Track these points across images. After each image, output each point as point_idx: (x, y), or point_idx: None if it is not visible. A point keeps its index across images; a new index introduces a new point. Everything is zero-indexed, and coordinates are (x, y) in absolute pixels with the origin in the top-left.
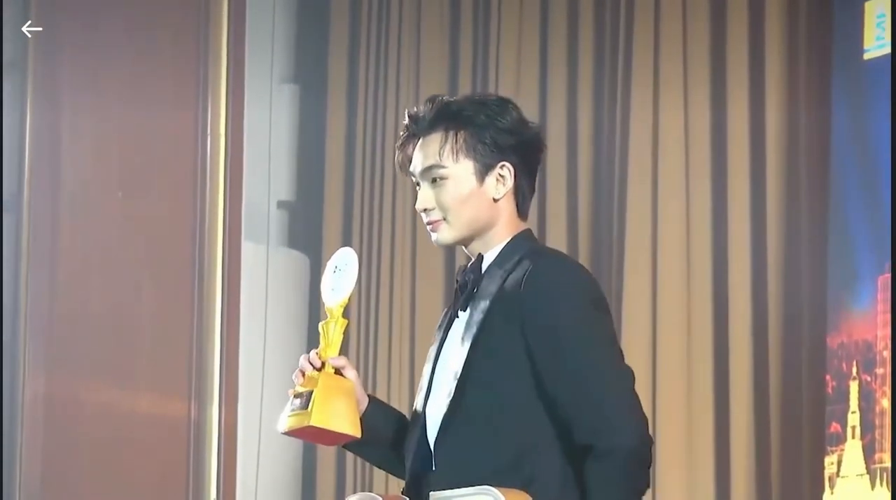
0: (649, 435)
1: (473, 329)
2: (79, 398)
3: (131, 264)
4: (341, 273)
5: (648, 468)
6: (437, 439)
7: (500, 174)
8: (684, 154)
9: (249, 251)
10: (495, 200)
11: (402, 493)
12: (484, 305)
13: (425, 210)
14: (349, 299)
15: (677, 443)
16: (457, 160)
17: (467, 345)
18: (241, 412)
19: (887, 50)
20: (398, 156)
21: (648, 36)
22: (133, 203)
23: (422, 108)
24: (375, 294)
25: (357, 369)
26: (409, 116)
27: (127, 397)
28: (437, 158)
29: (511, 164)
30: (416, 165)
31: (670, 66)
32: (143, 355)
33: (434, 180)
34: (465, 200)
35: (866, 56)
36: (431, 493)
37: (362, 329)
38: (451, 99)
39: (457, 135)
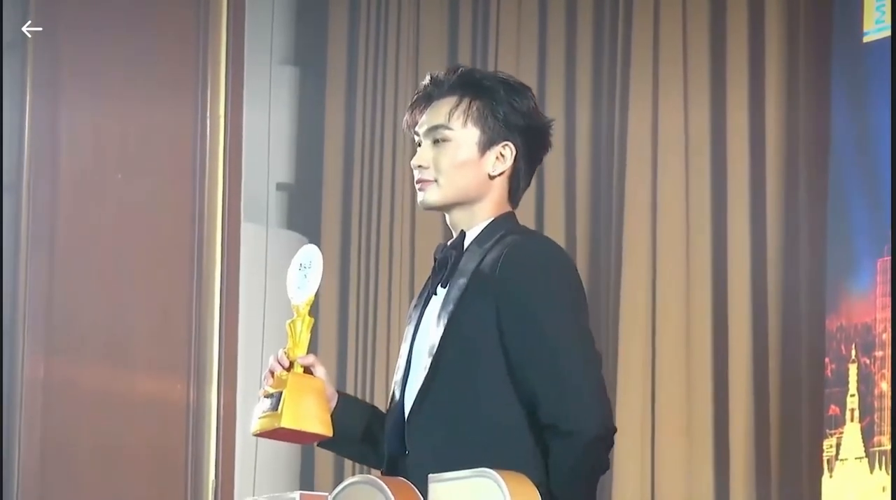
0: (612, 420)
1: (450, 306)
2: (78, 381)
3: (130, 247)
4: (307, 270)
5: (608, 451)
6: (408, 419)
7: (501, 152)
8: (684, 137)
9: (249, 233)
10: (490, 177)
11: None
12: (462, 282)
13: (420, 167)
14: (315, 296)
15: (676, 426)
16: (464, 125)
17: (443, 322)
18: (239, 395)
19: (887, 33)
20: (406, 115)
21: (648, 16)
22: (132, 185)
23: (444, 73)
24: (374, 276)
25: (355, 352)
26: (430, 78)
27: (126, 379)
28: (446, 118)
29: (515, 145)
30: (423, 123)
31: (670, 54)
32: (143, 337)
33: (436, 141)
34: (461, 166)
35: (866, 39)
36: (429, 475)
37: (361, 313)
38: (476, 71)
39: (471, 102)
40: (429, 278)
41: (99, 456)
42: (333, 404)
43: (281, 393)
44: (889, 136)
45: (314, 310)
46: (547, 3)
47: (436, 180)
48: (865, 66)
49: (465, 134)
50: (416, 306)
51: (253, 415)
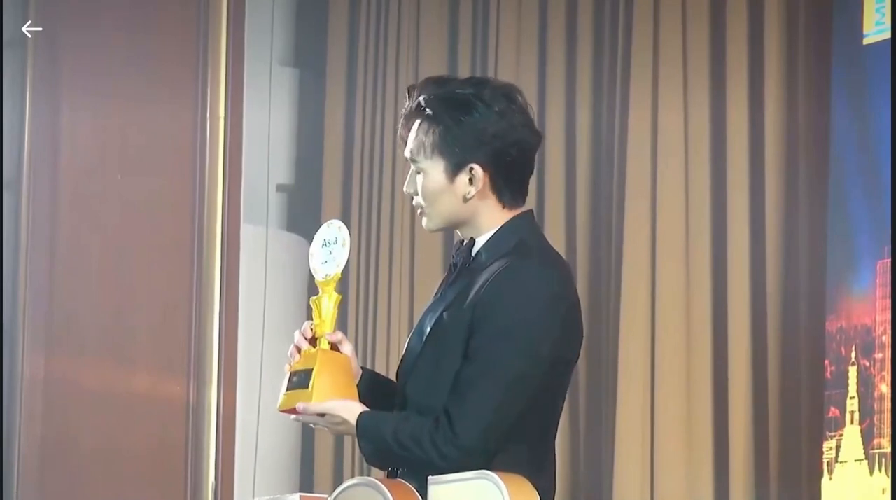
0: (464, 462)
1: (440, 309)
2: (78, 380)
3: (130, 246)
4: (332, 246)
5: (432, 468)
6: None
7: (470, 176)
8: (683, 140)
9: (248, 234)
10: (467, 199)
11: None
12: (459, 288)
13: (411, 194)
14: (341, 273)
15: (676, 428)
16: (429, 156)
17: (431, 324)
18: (239, 394)
19: (887, 35)
20: (400, 129)
21: (648, 17)
22: (133, 186)
23: (413, 87)
24: (374, 277)
25: (356, 351)
26: (408, 93)
27: (126, 378)
28: (413, 151)
29: (481, 164)
30: (406, 147)
31: (670, 55)
32: (143, 337)
33: (416, 170)
34: (437, 196)
35: (866, 41)
36: (429, 477)
37: (361, 312)
38: (432, 90)
39: (428, 131)
40: (444, 278)
41: (99, 456)
42: (358, 379)
43: (310, 370)
44: (889, 138)
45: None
46: (547, 3)
47: (424, 208)
48: (865, 67)
49: (431, 164)
50: (434, 297)
51: (280, 391)
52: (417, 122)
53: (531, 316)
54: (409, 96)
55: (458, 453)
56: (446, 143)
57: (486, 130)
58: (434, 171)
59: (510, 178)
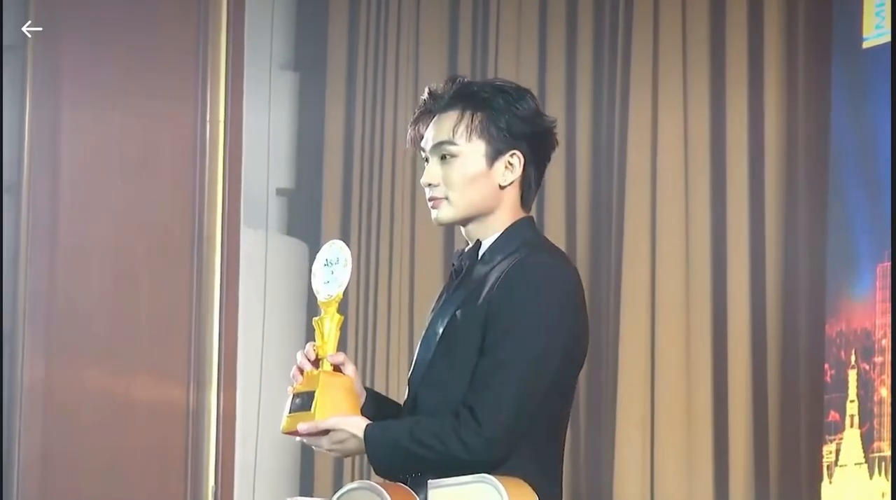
0: (491, 456)
1: (450, 312)
2: (78, 384)
3: (130, 250)
4: (334, 267)
5: (457, 468)
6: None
7: (509, 162)
8: (683, 140)
9: (248, 238)
10: (501, 187)
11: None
12: (467, 289)
13: (430, 185)
14: (343, 293)
15: (676, 431)
16: (469, 140)
17: (442, 327)
18: (239, 398)
19: (887, 38)
20: (410, 131)
21: (648, 20)
22: (132, 189)
23: (442, 85)
24: (374, 282)
25: (355, 359)
26: (428, 92)
27: (126, 382)
28: (451, 134)
29: (521, 152)
30: (428, 139)
31: (669, 56)
32: (142, 341)
33: (444, 157)
34: (471, 180)
35: (866, 44)
36: (429, 481)
37: (360, 318)
38: (469, 83)
39: (473, 115)
40: (445, 284)
41: (99, 460)
42: (362, 400)
43: (312, 393)
44: (889, 141)
45: (314, 314)
46: (547, 3)
47: (447, 197)
48: (865, 71)
49: (471, 148)
50: (433, 309)
51: (283, 413)
52: (457, 109)
53: (546, 309)
54: (434, 93)
55: (483, 444)
56: (493, 125)
57: (533, 120)
58: (473, 155)
59: (539, 173)
